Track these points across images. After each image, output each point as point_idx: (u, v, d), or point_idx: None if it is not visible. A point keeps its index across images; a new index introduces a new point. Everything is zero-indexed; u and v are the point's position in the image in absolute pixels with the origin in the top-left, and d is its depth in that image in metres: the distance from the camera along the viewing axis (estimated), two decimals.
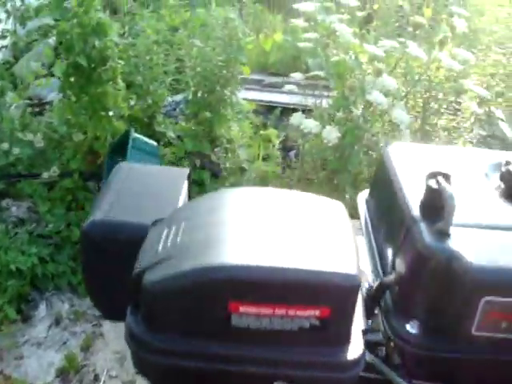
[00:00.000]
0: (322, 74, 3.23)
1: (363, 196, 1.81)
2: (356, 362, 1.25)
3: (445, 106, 3.62)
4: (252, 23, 4.64)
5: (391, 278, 1.39)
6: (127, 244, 1.38)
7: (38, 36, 4.06)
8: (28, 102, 3.68)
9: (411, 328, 1.32)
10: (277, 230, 1.33)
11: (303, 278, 1.20)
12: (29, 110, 3.54)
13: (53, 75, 3.46)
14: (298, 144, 3.58)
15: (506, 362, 1.35)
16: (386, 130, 3.36)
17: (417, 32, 3.23)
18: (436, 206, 1.32)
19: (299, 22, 3.41)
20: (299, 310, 1.19)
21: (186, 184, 1.65)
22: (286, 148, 3.80)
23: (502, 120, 3.74)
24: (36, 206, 3.28)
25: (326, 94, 3.49)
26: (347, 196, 3.00)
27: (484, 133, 3.77)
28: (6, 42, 4.22)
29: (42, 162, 3.32)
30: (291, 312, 1.19)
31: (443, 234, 1.30)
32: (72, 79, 3.11)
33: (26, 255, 2.97)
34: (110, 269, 1.43)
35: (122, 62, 3.21)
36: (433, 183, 1.35)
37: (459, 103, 3.64)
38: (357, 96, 3.07)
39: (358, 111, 3.12)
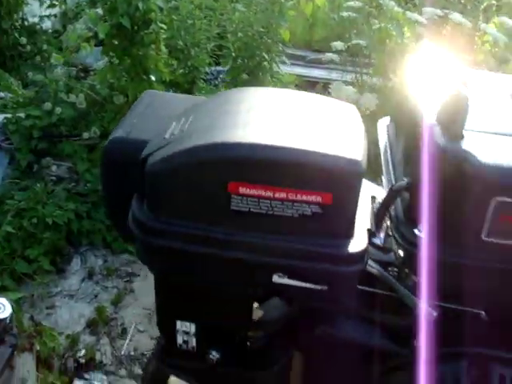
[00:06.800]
0: (363, 42, 3.22)
1: (383, 122, 1.78)
2: (358, 257, 1.23)
3: None
4: None
5: (403, 183, 1.36)
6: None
7: (86, 6, 4.12)
8: (73, 68, 3.74)
9: (419, 232, 1.29)
10: (284, 120, 1.30)
11: (305, 159, 1.17)
12: (73, 74, 3.61)
13: (97, 39, 3.50)
14: None
15: None
16: None
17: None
18: (451, 109, 1.29)
19: None
20: (300, 194, 1.16)
21: None
22: None
23: None
24: (76, 166, 3.31)
25: (365, 70, 3.47)
26: None
27: None
28: (55, 10, 4.30)
29: (83, 124, 3.37)
30: (292, 196, 1.16)
31: (456, 137, 1.27)
32: (115, 41, 3.16)
33: (63, 210, 3.01)
34: (129, 188, 1.40)
35: (165, 26, 3.24)
36: (449, 88, 1.31)
37: None
38: (396, 62, 3.04)
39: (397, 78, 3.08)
